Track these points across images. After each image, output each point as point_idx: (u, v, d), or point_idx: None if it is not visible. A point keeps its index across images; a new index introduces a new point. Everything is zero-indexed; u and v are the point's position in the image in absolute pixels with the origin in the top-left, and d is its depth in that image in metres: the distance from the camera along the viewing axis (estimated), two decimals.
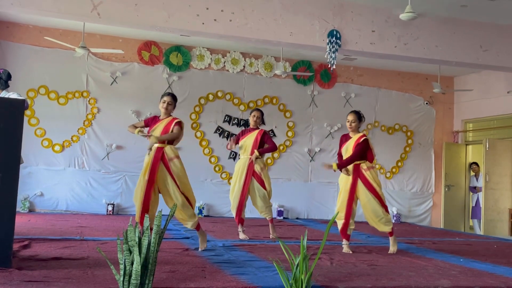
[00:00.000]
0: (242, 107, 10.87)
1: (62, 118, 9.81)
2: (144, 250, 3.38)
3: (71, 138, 9.88)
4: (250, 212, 10.66)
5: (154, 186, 5.51)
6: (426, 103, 12.15)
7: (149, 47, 10.38)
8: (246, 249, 5.90)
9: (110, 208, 9.80)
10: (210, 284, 3.81)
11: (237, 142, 7.01)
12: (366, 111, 11.58)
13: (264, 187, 6.92)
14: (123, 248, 3.38)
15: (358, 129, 6.21)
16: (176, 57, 10.49)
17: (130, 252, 3.36)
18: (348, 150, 6.12)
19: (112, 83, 10.15)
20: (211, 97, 10.65)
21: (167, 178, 5.48)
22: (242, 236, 6.91)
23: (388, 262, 5.40)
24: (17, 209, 8.85)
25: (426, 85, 11.96)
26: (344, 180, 6.15)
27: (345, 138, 6.27)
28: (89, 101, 10.01)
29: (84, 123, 9.97)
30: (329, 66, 7.87)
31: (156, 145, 5.59)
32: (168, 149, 5.59)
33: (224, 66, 10.87)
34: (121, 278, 3.35)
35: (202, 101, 10.64)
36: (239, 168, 6.93)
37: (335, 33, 7.81)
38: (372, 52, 8.18)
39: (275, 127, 10.85)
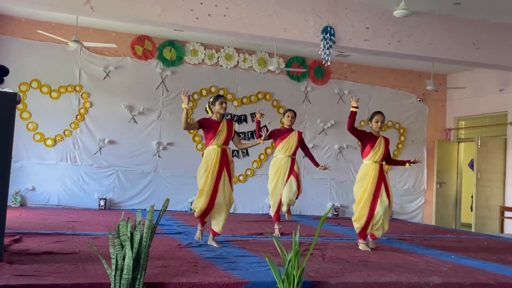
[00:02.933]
0: (235, 102, 10.86)
1: (55, 112, 9.76)
2: (136, 244, 3.38)
3: (64, 133, 9.84)
4: (243, 208, 10.75)
5: (219, 185, 5.71)
6: (419, 100, 12.19)
7: (143, 42, 10.33)
8: (238, 244, 5.91)
9: (102, 203, 9.77)
10: (202, 279, 3.81)
11: (269, 138, 7.19)
12: (359, 108, 11.53)
13: (299, 188, 7.17)
14: (115, 243, 3.37)
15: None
16: (170, 52, 10.46)
17: (122, 246, 3.36)
18: (381, 150, 6.16)
19: (105, 78, 10.11)
20: (204, 92, 10.63)
21: (225, 179, 5.72)
22: (277, 233, 7.05)
23: (380, 258, 5.43)
24: (9, 203, 8.78)
25: (419, 83, 11.99)
26: (369, 179, 6.09)
27: (369, 135, 6.25)
28: (81, 95, 9.96)
29: (76, 117, 9.92)
30: (323, 62, 7.87)
31: (219, 147, 5.78)
32: (229, 151, 5.87)
33: (218, 61, 10.84)
34: (113, 273, 3.35)
35: (196, 96, 10.61)
36: (281, 166, 7.11)
37: (329, 29, 7.81)
38: (366, 49, 8.19)
39: (269, 123, 10.84)
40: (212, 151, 5.75)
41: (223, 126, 5.81)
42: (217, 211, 5.71)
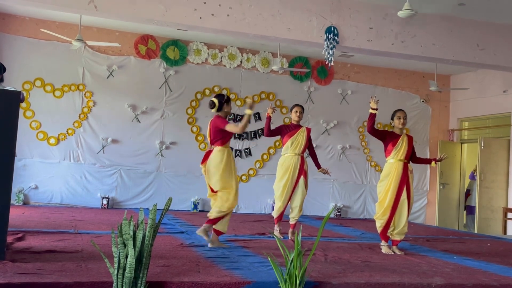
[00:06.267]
0: (238, 102, 10.86)
1: (58, 111, 9.79)
2: (138, 243, 3.38)
3: (67, 131, 9.86)
4: (246, 208, 10.75)
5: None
6: (422, 101, 12.17)
7: (146, 41, 10.35)
8: (241, 244, 5.91)
9: (105, 201, 9.79)
10: (204, 279, 3.81)
11: (277, 133, 6.90)
12: (362, 108, 11.60)
13: (306, 188, 6.77)
14: (117, 242, 3.37)
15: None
16: (173, 51, 10.47)
17: (125, 245, 3.36)
18: (404, 148, 5.99)
19: (108, 77, 10.13)
20: (207, 92, 10.64)
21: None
22: (278, 234, 6.79)
23: (382, 259, 5.42)
24: (12, 202, 8.80)
25: (422, 83, 11.97)
26: (392, 178, 5.95)
27: (390, 134, 6.09)
28: (85, 94, 9.98)
29: (79, 116, 9.94)
30: (326, 62, 7.86)
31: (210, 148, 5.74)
32: (215, 153, 5.65)
33: (221, 61, 10.85)
34: (115, 272, 3.35)
35: (199, 96, 10.62)
36: (290, 165, 6.65)
37: (332, 29, 7.80)
38: (369, 49, 8.18)
39: (272, 123, 10.81)
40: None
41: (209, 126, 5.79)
42: None
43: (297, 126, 6.82)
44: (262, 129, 10.78)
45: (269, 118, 6.76)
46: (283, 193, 6.68)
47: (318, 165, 6.96)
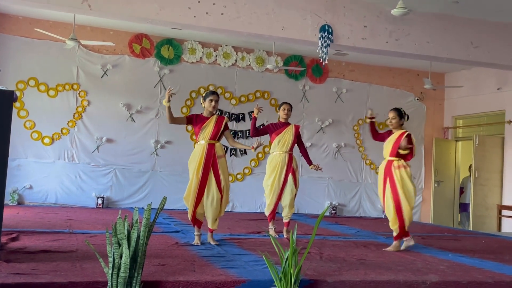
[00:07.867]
0: (233, 101, 10.85)
1: (52, 110, 9.75)
2: (133, 243, 3.38)
3: (61, 131, 9.82)
4: (241, 206, 10.75)
5: (208, 182, 5.69)
6: (417, 99, 12.20)
7: (140, 40, 10.32)
8: (236, 243, 5.91)
9: (99, 201, 9.77)
10: (199, 278, 3.81)
11: (264, 133, 6.91)
12: (357, 107, 11.66)
13: (296, 186, 6.80)
14: (112, 241, 3.37)
15: (401, 126, 6.27)
16: (168, 50, 10.45)
17: (119, 245, 3.35)
18: (388, 145, 6.20)
19: (102, 76, 10.09)
20: (202, 91, 10.62)
21: (211, 174, 5.66)
22: (273, 232, 6.79)
23: (377, 257, 5.43)
24: (6, 202, 8.79)
25: (417, 81, 12.00)
26: (380, 177, 6.24)
27: (388, 134, 6.37)
28: (79, 93, 9.95)
29: (74, 115, 9.91)
30: (321, 61, 7.87)
31: (206, 142, 5.69)
32: (218, 147, 5.74)
33: (216, 60, 10.84)
34: (110, 271, 3.34)
35: (193, 95, 10.61)
36: (278, 163, 6.71)
37: (327, 28, 7.80)
38: (364, 48, 8.19)
39: (266, 121, 10.81)
40: (199, 146, 5.71)
41: (210, 121, 5.73)
42: (206, 208, 5.70)
43: (285, 124, 6.83)
44: None
45: (254, 119, 6.73)
46: (271, 190, 6.74)
47: (309, 162, 6.93)
